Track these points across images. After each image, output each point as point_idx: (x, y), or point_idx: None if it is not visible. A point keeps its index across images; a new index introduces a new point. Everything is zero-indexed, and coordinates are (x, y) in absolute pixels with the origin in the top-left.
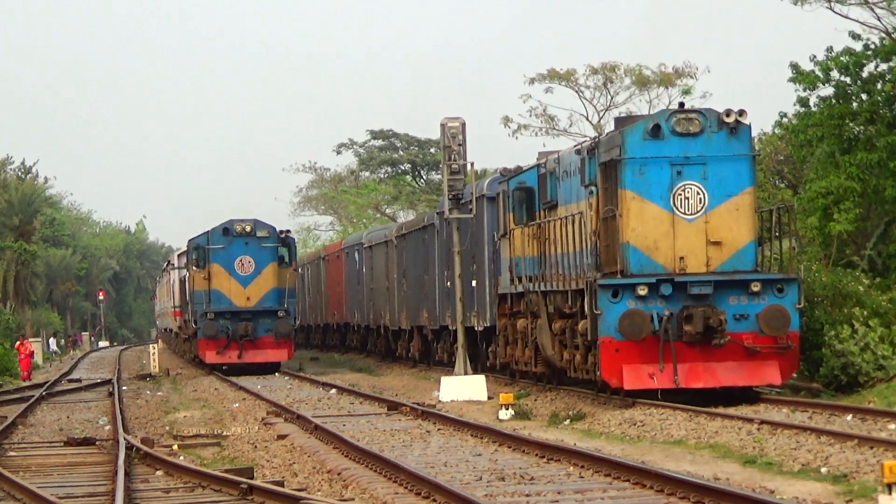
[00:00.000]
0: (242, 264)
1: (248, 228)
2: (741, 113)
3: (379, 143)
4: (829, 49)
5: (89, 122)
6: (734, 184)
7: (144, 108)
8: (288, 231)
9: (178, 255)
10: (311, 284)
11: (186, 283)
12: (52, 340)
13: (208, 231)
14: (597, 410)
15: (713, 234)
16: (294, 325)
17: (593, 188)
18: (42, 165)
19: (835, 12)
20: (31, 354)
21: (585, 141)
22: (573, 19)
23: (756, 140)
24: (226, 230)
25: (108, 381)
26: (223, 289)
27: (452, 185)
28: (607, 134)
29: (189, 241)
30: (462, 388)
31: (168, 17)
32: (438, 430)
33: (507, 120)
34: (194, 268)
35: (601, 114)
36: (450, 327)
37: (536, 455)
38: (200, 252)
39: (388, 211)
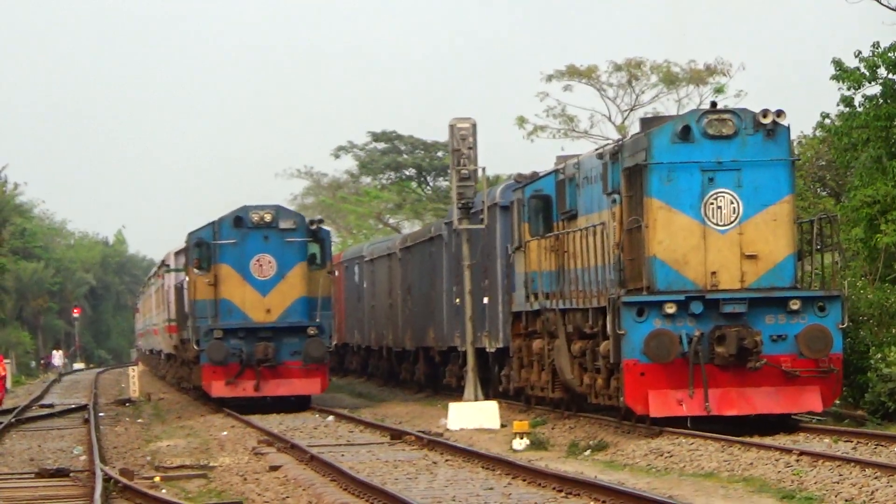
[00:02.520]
0: (261, 265)
1: (267, 218)
2: (779, 113)
3: (381, 145)
4: (876, 44)
5: (64, 123)
6: (771, 192)
7: (123, 108)
8: (320, 221)
9: (175, 254)
10: None
11: (185, 290)
12: (56, 354)
13: (214, 221)
14: (620, 440)
15: (748, 247)
16: (330, 346)
17: (616, 196)
18: (11, 170)
19: (882, 4)
20: (3, 379)
21: (608, 144)
22: (594, 11)
23: (795, 143)
24: (238, 220)
25: (84, 407)
26: (235, 298)
27: (462, 193)
28: (632, 136)
29: (189, 234)
30: (472, 416)
31: (145, 12)
32: (446, 461)
33: (522, 121)
34: (196, 270)
35: (625, 114)
36: (459, 349)
37: (554, 489)
38: (204, 249)
39: (391, 221)
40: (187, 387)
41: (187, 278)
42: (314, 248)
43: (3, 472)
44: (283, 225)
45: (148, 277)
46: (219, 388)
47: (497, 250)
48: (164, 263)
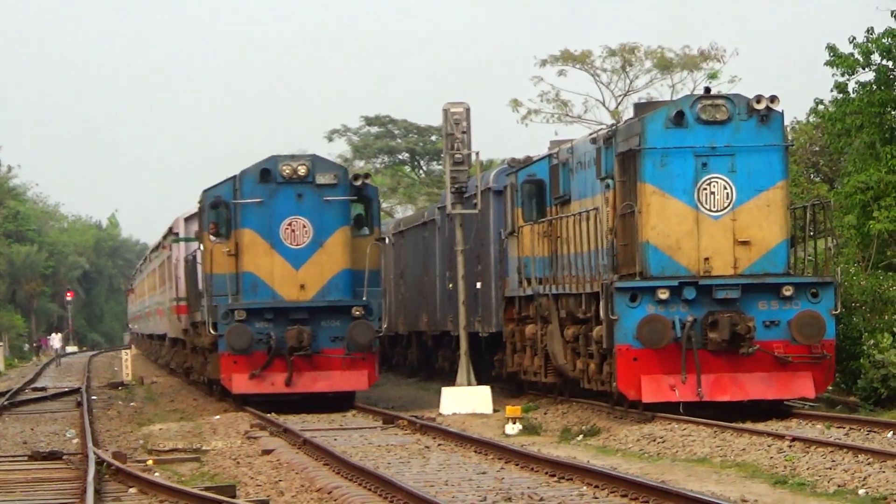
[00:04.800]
0: (293, 230)
1: (302, 171)
2: (773, 99)
3: (375, 129)
4: (870, 30)
5: (56, 106)
6: (765, 177)
7: (116, 91)
8: (367, 176)
9: (186, 220)
10: None
11: (199, 262)
12: (55, 337)
13: (235, 176)
14: (613, 425)
15: (741, 233)
16: (379, 331)
17: (610, 181)
18: (5, 153)
19: None
20: None
21: (602, 129)
22: None
23: (789, 129)
24: (265, 174)
25: (77, 390)
26: (261, 271)
27: (455, 177)
28: (626, 121)
29: (204, 192)
30: (465, 400)
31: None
32: (439, 445)
33: (516, 105)
34: (213, 237)
35: (619, 99)
36: (452, 333)
37: (546, 473)
38: (223, 211)
39: (384, 205)
40: (199, 380)
41: (201, 247)
42: (359, 210)
43: None
44: (321, 180)
45: (150, 250)
46: (241, 383)
47: (490, 235)
48: (171, 232)
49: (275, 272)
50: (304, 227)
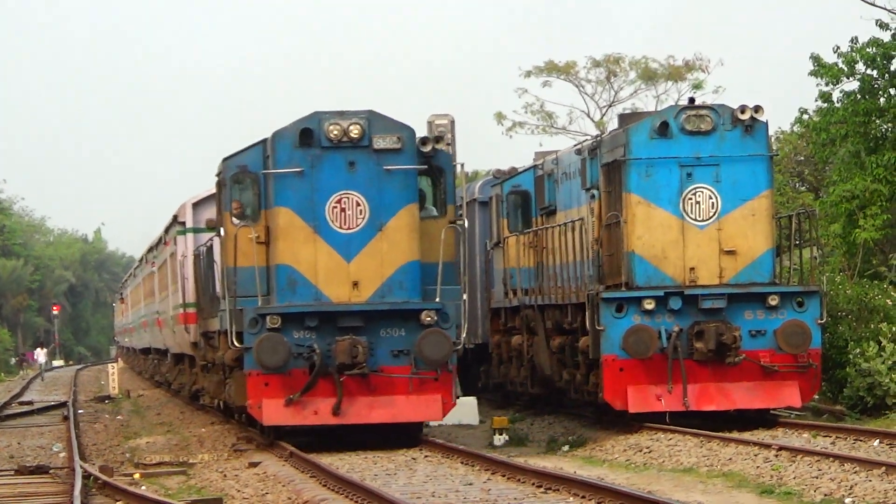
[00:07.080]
0: (343, 210)
1: (354, 132)
2: (757, 109)
3: None
4: (854, 39)
5: (41, 119)
6: (750, 187)
7: (101, 104)
8: (437, 140)
9: (194, 206)
10: None
11: (217, 254)
12: (40, 352)
13: (266, 139)
14: (599, 435)
15: (727, 243)
16: (458, 342)
17: (595, 192)
18: None
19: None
20: None
21: (586, 140)
22: (574, 7)
23: (774, 139)
24: (306, 135)
25: (63, 404)
26: (301, 264)
27: None
28: (610, 132)
29: (224, 161)
30: (451, 412)
31: (129, 12)
32: (425, 457)
33: (500, 117)
34: (236, 220)
35: (604, 110)
36: None
37: (533, 484)
38: (249, 185)
39: None
40: (213, 406)
41: (222, 231)
42: (425, 185)
43: None
44: (380, 143)
45: (146, 250)
46: (274, 412)
47: (475, 246)
48: (175, 222)
49: (319, 265)
50: (358, 205)
